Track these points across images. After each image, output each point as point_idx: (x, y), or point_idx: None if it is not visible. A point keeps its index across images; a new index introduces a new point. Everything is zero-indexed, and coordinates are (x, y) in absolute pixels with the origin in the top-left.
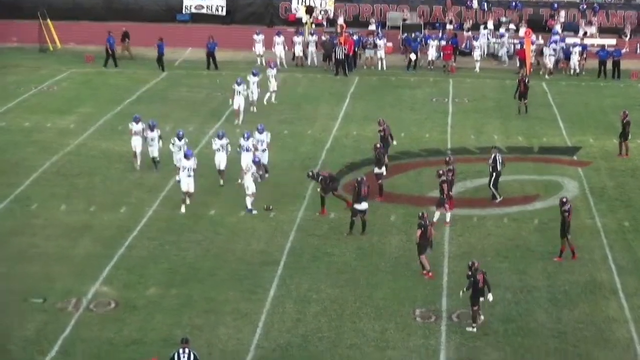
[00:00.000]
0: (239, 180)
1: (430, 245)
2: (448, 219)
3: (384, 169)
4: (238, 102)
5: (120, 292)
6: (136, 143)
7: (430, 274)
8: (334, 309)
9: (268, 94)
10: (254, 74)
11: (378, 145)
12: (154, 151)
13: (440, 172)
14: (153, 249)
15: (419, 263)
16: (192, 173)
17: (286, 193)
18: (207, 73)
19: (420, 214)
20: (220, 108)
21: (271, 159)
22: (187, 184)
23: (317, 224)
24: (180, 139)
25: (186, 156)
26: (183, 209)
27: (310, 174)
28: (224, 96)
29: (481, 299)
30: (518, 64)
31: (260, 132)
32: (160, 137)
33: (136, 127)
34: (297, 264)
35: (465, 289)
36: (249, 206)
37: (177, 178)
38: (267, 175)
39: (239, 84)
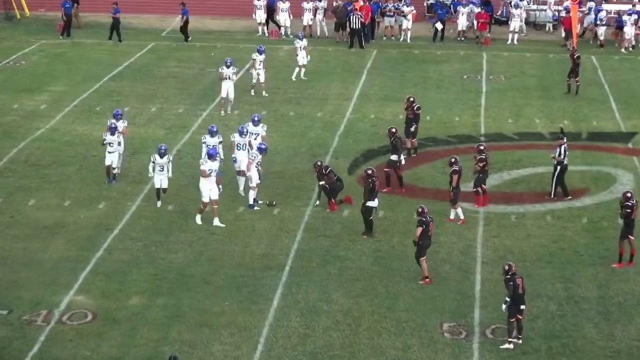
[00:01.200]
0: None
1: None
2: (461, 215)
3: (402, 157)
4: (226, 89)
5: (98, 302)
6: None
7: (427, 280)
8: (348, 323)
9: (297, 70)
10: (259, 52)
11: (394, 130)
12: (115, 160)
13: (452, 160)
14: (137, 252)
15: (423, 267)
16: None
17: (292, 186)
18: (200, 45)
19: (420, 208)
20: (214, 86)
21: (275, 146)
22: (161, 179)
23: (328, 222)
24: (162, 155)
25: (161, 153)
26: (158, 204)
27: (319, 164)
28: (217, 73)
29: (522, 307)
30: (564, 35)
31: (256, 124)
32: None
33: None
34: (305, 269)
35: (507, 300)
36: (251, 201)
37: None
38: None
39: (228, 66)
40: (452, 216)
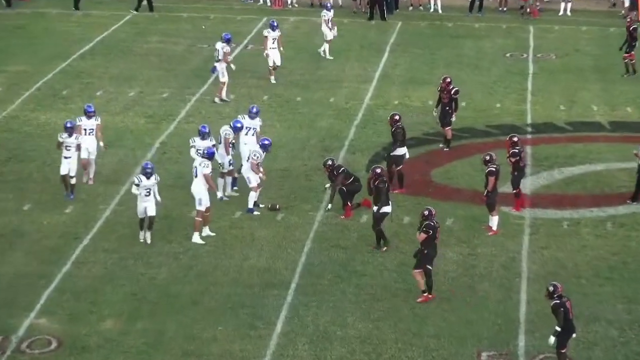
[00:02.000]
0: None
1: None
2: (494, 226)
3: (405, 150)
4: (221, 70)
5: (64, 326)
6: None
7: (426, 296)
8: (366, 352)
9: (324, 46)
10: (272, 27)
11: (397, 117)
12: (72, 167)
13: (487, 157)
14: (111, 266)
15: (419, 281)
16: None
17: (299, 186)
18: (188, 16)
19: (427, 211)
20: (205, 65)
21: (278, 138)
22: (146, 207)
23: (343, 230)
24: (149, 175)
25: (146, 174)
26: (147, 238)
27: (330, 164)
28: (211, 49)
29: (574, 335)
30: (627, 3)
31: (253, 116)
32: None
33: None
34: (315, 287)
35: (556, 330)
36: (250, 204)
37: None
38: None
39: (226, 41)
40: (491, 223)
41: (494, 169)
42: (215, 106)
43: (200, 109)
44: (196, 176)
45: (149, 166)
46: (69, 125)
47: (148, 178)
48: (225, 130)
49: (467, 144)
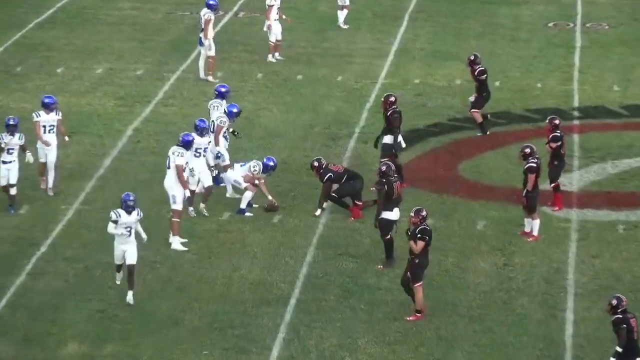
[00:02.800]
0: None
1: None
2: (535, 231)
3: (401, 139)
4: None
5: (18, 349)
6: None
7: (419, 315)
8: None
9: (344, 12)
10: None
11: (392, 99)
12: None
13: (527, 150)
14: (74, 278)
15: (418, 297)
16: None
17: (300, 182)
18: None
19: (425, 212)
20: (188, 36)
21: (275, 125)
22: (125, 250)
23: (352, 234)
24: (130, 210)
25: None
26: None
27: (316, 165)
28: (193, 17)
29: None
30: None
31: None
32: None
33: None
34: (319, 304)
35: (617, 351)
36: (243, 204)
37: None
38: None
39: (210, 7)
40: (527, 228)
41: (534, 164)
42: (201, 86)
43: (182, 89)
44: (169, 167)
45: (131, 198)
46: (11, 122)
47: (129, 213)
48: (220, 118)
49: (502, 131)
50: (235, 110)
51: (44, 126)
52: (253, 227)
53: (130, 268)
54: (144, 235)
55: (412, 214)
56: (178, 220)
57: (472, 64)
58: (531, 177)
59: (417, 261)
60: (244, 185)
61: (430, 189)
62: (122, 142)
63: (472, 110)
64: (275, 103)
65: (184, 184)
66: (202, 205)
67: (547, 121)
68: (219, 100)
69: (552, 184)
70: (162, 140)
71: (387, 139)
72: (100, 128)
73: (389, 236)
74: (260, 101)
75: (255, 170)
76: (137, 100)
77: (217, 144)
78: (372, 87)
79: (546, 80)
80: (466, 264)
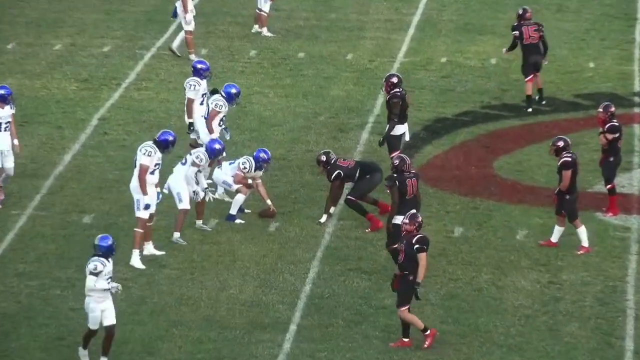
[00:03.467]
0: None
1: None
2: (585, 241)
3: (406, 129)
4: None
5: None
6: None
7: (430, 340)
8: None
9: None
10: None
11: (394, 80)
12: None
13: (559, 143)
14: (27, 298)
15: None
16: None
17: (302, 182)
18: None
19: (420, 218)
20: (164, 5)
21: (272, 113)
22: (103, 310)
23: (365, 246)
24: (112, 253)
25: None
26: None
27: (323, 160)
28: None
29: None
30: None
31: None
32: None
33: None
34: (325, 330)
35: None
36: (233, 209)
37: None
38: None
39: None
40: (554, 238)
41: (570, 159)
42: (180, 65)
43: (158, 69)
44: (135, 166)
45: (109, 242)
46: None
47: (110, 259)
48: (216, 101)
49: (547, 121)
50: (234, 91)
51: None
52: (245, 237)
53: (110, 330)
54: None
55: (407, 221)
56: (141, 231)
57: (521, 18)
58: (566, 174)
59: (411, 277)
60: (235, 187)
61: (459, 191)
62: (85, 133)
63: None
64: (272, 86)
65: (143, 187)
66: (176, 234)
67: (600, 109)
68: (196, 79)
69: (608, 185)
70: (133, 131)
71: (398, 130)
72: (60, 117)
73: (396, 246)
74: (253, 84)
75: (245, 168)
76: (103, 83)
77: (211, 131)
78: (389, 67)
79: (600, 60)
80: (503, 282)
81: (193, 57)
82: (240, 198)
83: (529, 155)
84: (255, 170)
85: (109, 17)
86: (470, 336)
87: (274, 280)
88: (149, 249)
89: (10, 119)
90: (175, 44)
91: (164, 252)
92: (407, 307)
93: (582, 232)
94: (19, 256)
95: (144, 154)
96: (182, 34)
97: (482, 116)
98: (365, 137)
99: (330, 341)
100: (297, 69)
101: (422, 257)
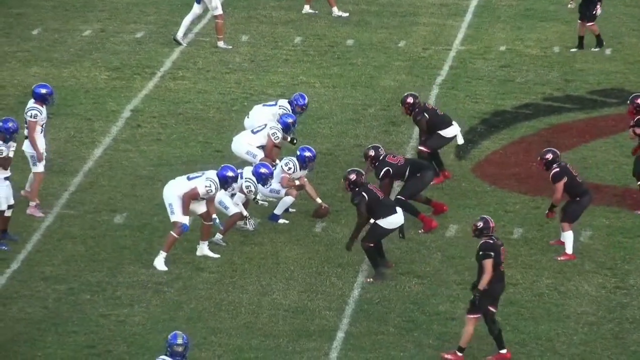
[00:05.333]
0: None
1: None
2: (569, 249)
3: (457, 130)
4: None
5: None
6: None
7: (459, 355)
8: None
9: None
10: None
11: (410, 100)
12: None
13: (548, 156)
14: (55, 303)
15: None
16: None
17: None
18: None
19: (481, 222)
20: None
21: (319, 105)
22: None
23: (418, 249)
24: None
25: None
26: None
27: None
28: None
29: None
30: None
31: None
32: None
33: None
34: (374, 338)
35: None
36: (279, 210)
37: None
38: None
39: None
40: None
41: (558, 170)
42: (220, 53)
43: (195, 57)
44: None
45: (182, 342)
46: (10, 126)
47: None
48: (274, 129)
49: (613, 114)
50: (290, 120)
51: (42, 125)
52: (289, 238)
53: None
54: None
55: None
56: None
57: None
58: (558, 186)
59: (484, 288)
60: (283, 191)
61: (519, 189)
62: (117, 126)
63: (591, 23)
64: (319, 76)
65: (186, 211)
66: (218, 235)
67: (628, 102)
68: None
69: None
70: (169, 124)
71: (448, 133)
72: (89, 108)
73: (372, 244)
74: (298, 73)
75: (290, 169)
76: (136, 71)
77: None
78: (445, 56)
79: None
80: (566, 287)
81: (221, 44)
82: (288, 200)
83: (594, 151)
84: (300, 170)
85: (141, 1)
86: (530, 345)
87: (319, 284)
88: (203, 249)
89: (45, 121)
90: (179, 34)
91: (218, 255)
92: (474, 316)
93: (568, 238)
94: (46, 258)
95: (207, 186)
96: (186, 22)
97: (544, 109)
98: (419, 131)
99: (380, 350)
100: (346, 57)
101: (485, 263)
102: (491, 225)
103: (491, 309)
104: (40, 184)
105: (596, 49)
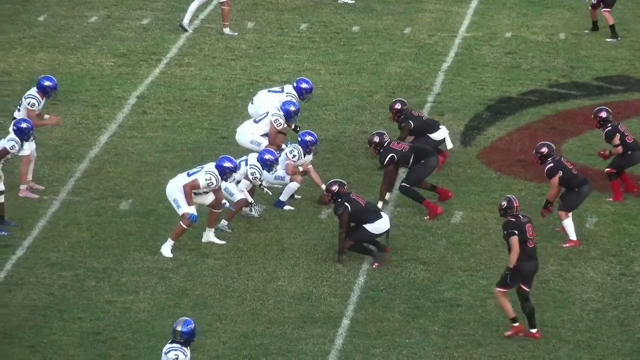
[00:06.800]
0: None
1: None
2: (572, 235)
3: (445, 134)
4: None
5: None
6: None
7: (517, 326)
8: None
9: None
10: None
11: (398, 106)
12: None
13: (543, 150)
14: (60, 290)
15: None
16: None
17: (356, 165)
18: None
19: (505, 201)
20: None
21: (325, 92)
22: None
23: (424, 235)
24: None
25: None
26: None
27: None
28: None
29: None
30: None
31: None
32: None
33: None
34: (380, 325)
35: None
36: (284, 196)
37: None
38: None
39: None
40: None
41: (553, 164)
42: (226, 40)
43: (201, 43)
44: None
45: (191, 327)
46: (24, 125)
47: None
48: (277, 116)
49: (618, 101)
50: (292, 108)
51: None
52: (294, 225)
53: None
54: None
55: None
56: (186, 227)
57: None
58: (554, 181)
59: (512, 268)
60: (288, 178)
61: (525, 175)
62: (123, 113)
63: (607, 10)
64: (324, 63)
65: (190, 201)
66: (223, 222)
67: (592, 115)
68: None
69: None
70: (175, 110)
71: (437, 136)
72: (95, 94)
73: (353, 242)
74: (304, 60)
75: (295, 156)
76: (142, 58)
77: (276, 144)
78: (450, 43)
79: None
80: (571, 274)
81: (227, 31)
82: (293, 186)
83: (599, 137)
84: (305, 156)
85: None
86: (541, 331)
87: (325, 271)
88: (209, 235)
89: (40, 111)
90: (185, 20)
91: (224, 242)
92: (502, 289)
93: (568, 226)
94: (52, 245)
95: (207, 179)
96: (192, 8)
97: (550, 95)
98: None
99: (386, 336)
100: (351, 43)
101: (511, 241)
102: (515, 204)
103: (523, 287)
104: (27, 166)
105: (611, 40)
